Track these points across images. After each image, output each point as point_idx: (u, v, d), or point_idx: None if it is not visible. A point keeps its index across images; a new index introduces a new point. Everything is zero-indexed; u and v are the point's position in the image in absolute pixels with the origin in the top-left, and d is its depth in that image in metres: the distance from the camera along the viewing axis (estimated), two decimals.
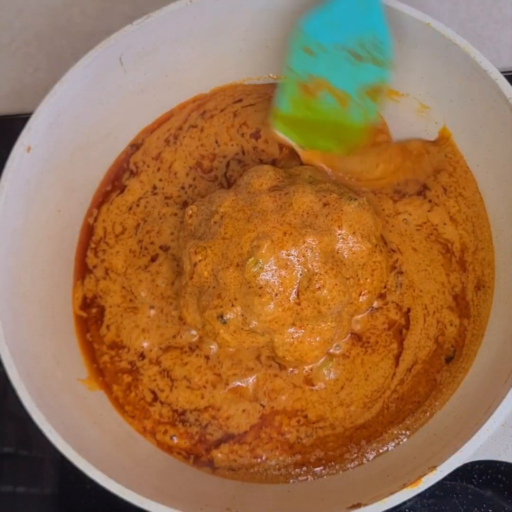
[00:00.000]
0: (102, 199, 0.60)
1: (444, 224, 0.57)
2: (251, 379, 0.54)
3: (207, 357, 0.55)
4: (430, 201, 0.57)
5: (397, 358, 0.54)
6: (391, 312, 0.55)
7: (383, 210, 0.57)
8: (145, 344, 0.56)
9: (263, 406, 0.54)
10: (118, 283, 0.58)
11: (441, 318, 0.54)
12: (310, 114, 0.55)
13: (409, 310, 0.55)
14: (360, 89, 0.54)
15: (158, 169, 0.61)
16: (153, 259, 0.58)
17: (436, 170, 0.58)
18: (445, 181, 0.58)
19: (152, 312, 0.56)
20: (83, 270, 0.59)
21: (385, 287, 0.55)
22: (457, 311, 0.55)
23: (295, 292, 0.49)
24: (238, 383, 0.54)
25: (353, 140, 0.56)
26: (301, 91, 0.54)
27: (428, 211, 0.57)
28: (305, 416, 0.53)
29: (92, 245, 0.59)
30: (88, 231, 0.60)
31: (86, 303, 0.58)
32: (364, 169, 0.58)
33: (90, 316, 0.57)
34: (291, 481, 0.52)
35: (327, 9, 0.52)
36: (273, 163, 0.59)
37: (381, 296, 0.55)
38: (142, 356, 0.56)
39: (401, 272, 0.55)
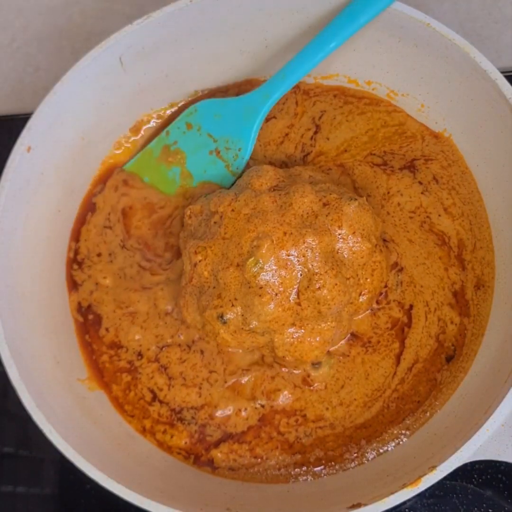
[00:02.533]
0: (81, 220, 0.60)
1: (439, 215, 0.57)
2: (250, 378, 0.54)
3: (204, 356, 0.55)
4: (420, 183, 0.58)
5: (398, 357, 0.54)
6: (394, 310, 0.55)
7: (377, 187, 0.58)
8: (143, 343, 0.56)
9: (262, 406, 0.54)
10: (111, 295, 0.57)
11: (442, 316, 0.55)
12: (150, 174, 0.60)
13: (411, 307, 0.55)
14: (201, 181, 0.59)
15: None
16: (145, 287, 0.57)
17: (427, 157, 0.58)
18: (437, 171, 0.58)
19: (150, 312, 0.56)
20: (73, 283, 0.58)
21: (386, 286, 0.55)
22: (457, 308, 0.55)
23: (295, 292, 0.49)
24: (236, 381, 0.54)
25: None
26: (162, 154, 0.59)
27: (421, 193, 0.57)
28: (304, 416, 0.53)
29: (75, 266, 0.59)
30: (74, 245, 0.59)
31: (82, 310, 0.57)
32: (354, 136, 0.60)
33: (87, 320, 0.57)
34: (291, 481, 0.52)
35: (223, 101, 0.58)
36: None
37: (383, 295, 0.55)
38: (140, 355, 0.56)
39: (400, 270, 0.55)
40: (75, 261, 0.58)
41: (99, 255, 0.58)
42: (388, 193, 0.58)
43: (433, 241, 0.56)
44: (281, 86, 0.56)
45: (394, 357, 0.54)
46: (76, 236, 0.59)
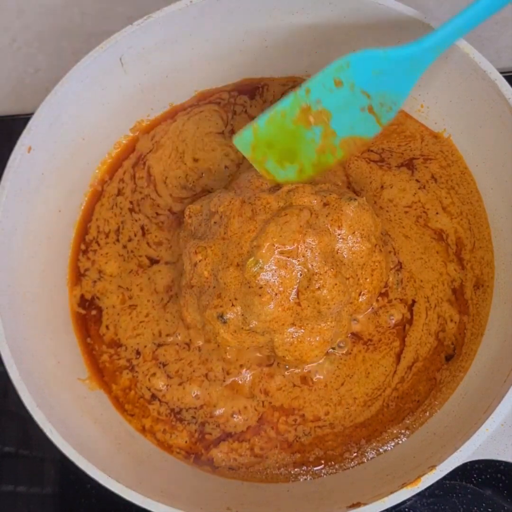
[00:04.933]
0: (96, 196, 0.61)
1: (437, 213, 0.57)
2: (248, 377, 0.54)
3: (203, 355, 0.55)
4: (418, 181, 0.58)
5: (398, 355, 0.54)
6: (396, 307, 0.55)
7: (371, 182, 0.58)
8: (141, 342, 0.56)
9: (262, 405, 0.54)
10: (114, 283, 0.58)
11: (442, 313, 0.55)
12: (280, 139, 0.52)
13: (413, 302, 0.55)
14: (346, 137, 0.52)
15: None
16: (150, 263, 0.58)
17: (426, 157, 0.59)
18: (436, 171, 0.58)
19: (150, 310, 0.56)
20: (77, 273, 0.59)
21: (386, 285, 0.55)
22: (456, 306, 0.55)
23: (295, 292, 0.49)
24: (234, 380, 0.54)
25: (305, 175, 0.54)
26: (299, 115, 0.51)
27: (418, 189, 0.58)
28: (303, 415, 0.53)
29: (83, 248, 0.59)
30: (83, 232, 0.60)
31: (85, 304, 0.58)
32: None
33: (88, 314, 0.57)
34: (290, 480, 0.52)
35: (385, 55, 0.49)
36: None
37: (384, 294, 0.55)
38: (138, 353, 0.56)
39: (400, 269, 0.56)
40: (83, 241, 0.59)
41: (107, 235, 0.59)
42: (382, 187, 0.58)
43: (430, 235, 0.57)
44: (451, 37, 0.49)
45: (395, 356, 0.54)
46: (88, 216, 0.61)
